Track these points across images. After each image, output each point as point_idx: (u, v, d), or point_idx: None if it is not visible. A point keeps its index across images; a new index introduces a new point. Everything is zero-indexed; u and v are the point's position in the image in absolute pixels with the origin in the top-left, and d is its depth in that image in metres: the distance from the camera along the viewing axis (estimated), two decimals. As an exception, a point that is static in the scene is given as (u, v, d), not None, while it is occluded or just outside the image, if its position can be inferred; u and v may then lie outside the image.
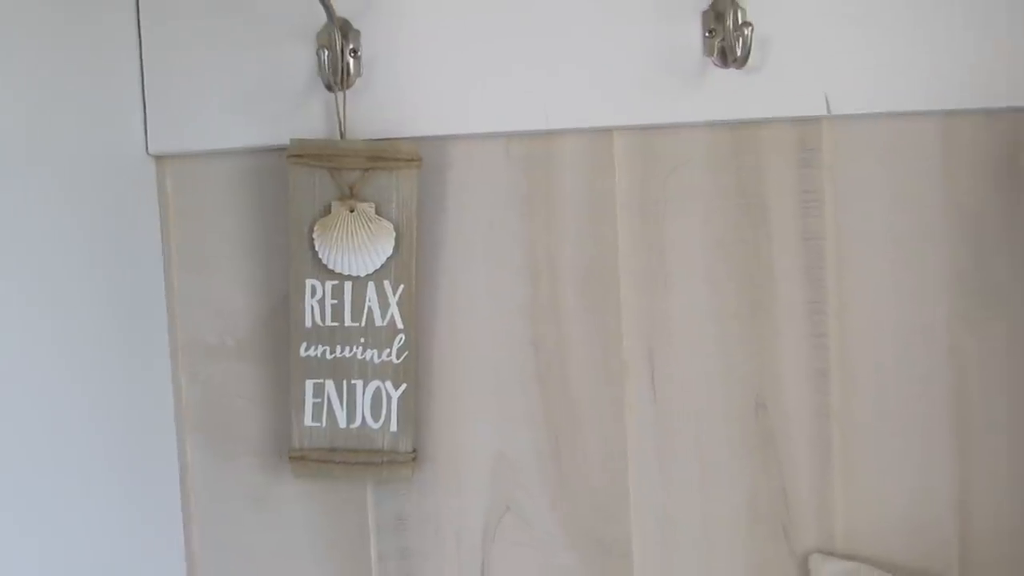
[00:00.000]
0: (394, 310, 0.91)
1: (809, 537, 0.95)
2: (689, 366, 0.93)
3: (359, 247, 0.89)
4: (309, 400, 0.92)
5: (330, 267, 0.90)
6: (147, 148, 0.91)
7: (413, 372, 0.90)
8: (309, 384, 0.91)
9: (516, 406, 0.93)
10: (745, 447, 0.94)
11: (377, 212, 0.90)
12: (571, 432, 0.93)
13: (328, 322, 0.91)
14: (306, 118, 0.90)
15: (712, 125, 0.92)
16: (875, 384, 0.93)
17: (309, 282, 0.91)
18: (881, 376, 0.93)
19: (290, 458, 0.92)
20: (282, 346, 0.92)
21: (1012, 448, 0.96)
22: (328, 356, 0.91)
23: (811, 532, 0.95)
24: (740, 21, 0.85)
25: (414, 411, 0.91)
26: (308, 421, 0.92)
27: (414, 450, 0.92)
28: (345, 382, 0.91)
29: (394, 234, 0.89)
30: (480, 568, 0.94)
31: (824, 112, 0.90)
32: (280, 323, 0.92)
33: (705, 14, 0.89)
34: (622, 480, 0.94)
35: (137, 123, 0.91)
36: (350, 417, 0.91)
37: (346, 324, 0.91)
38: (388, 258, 0.90)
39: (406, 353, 0.91)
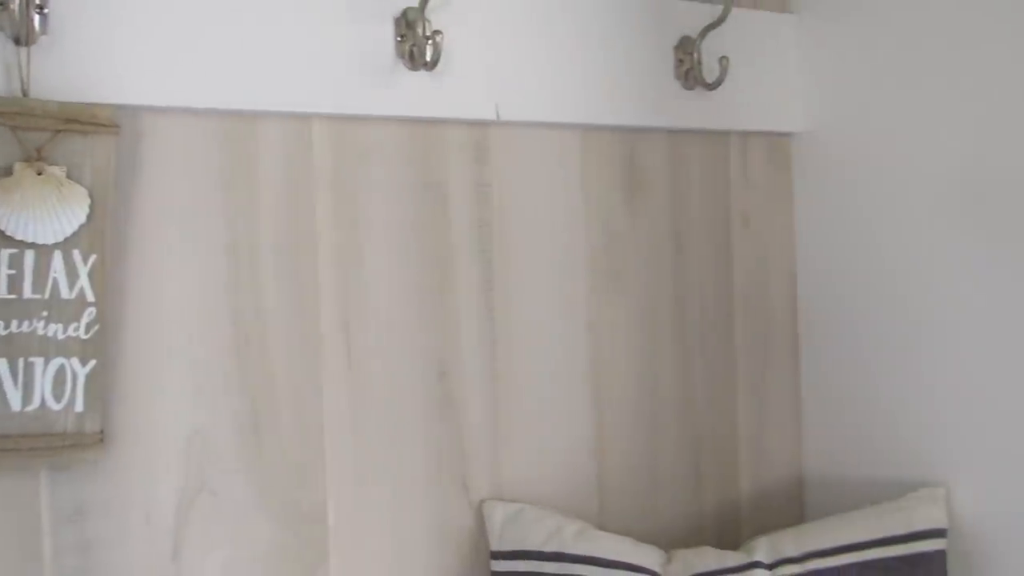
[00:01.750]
0: (84, 282, 0.71)
1: (483, 487, 0.90)
2: (381, 338, 0.85)
3: (48, 213, 0.68)
4: (-27, 382, 0.68)
5: (8, 233, 0.68)
6: None
7: (103, 348, 0.70)
8: (-26, 364, 0.67)
9: (213, 381, 0.77)
10: (430, 411, 0.87)
11: (68, 177, 0.68)
12: (269, 404, 0.79)
13: (3, 294, 0.68)
14: (-23, 71, 0.67)
15: (403, 120, 0.84)
16: (532, 352, 0.94)
17: (-20, 249, 0.67)
18: (537, 344, 0.94)
19: (-54, 449, 0.66)
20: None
21: (635, 402, 1.00)
22: (1, 332, 0.67)
23: (485, 482, 0.90)
24: (430, 30, 0.78)
25: (103, 389, 0.71)
26: (-29, 405, 0.67)
27: (101, 431, 0.70)
28: (21, 360, 0.69)
29: (88, 201, 0.70)
30: (172, 551, 0.75)
31: (494, 118, 0.87)
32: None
33: (397, 20, 0.82)
34: (318, 448, 0.81)
35: None
36: (26, 399, 0.69)
37: (25, 296, 0.69)
38: (80, 226, 0.69)
39: (96, 327, 0.71)
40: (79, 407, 0.74)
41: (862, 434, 1.04)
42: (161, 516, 0.79)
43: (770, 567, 0.86)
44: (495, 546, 0.90)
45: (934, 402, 0.97)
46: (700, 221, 1.06)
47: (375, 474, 0.87)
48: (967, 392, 0.95)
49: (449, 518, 0.91)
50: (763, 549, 0.90)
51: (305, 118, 0.84)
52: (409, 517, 0.89)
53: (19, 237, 0.72)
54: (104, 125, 0.74)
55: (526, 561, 0.88)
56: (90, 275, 0.74)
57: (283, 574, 0.84)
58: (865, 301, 1.04)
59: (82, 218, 0.74)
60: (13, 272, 0.72)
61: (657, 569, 0.88)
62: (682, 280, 1.05)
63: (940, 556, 0.90)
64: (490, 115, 0.91)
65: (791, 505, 1.11)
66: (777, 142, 1.10)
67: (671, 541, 0.97)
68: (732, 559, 0.88)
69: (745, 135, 1.08)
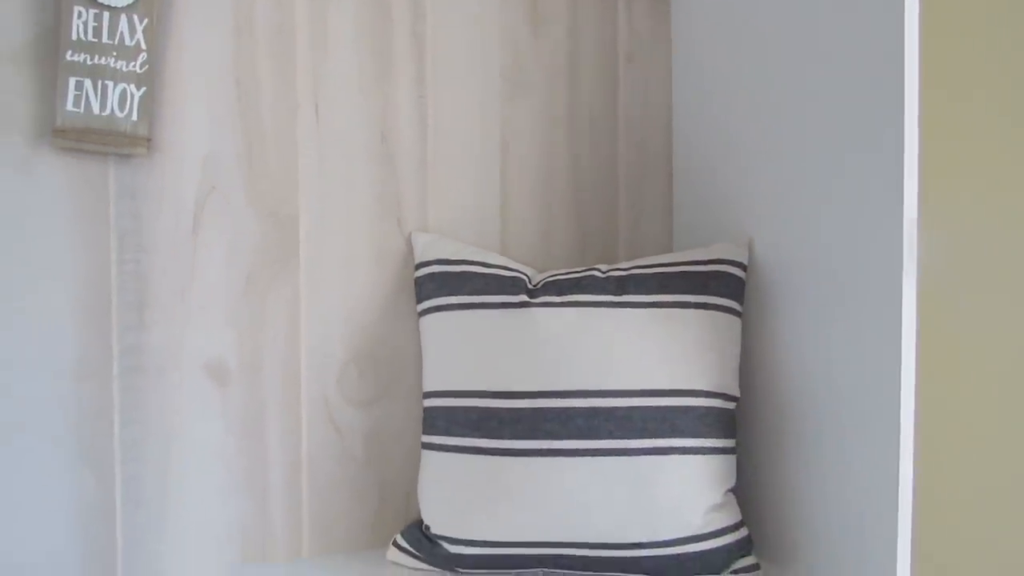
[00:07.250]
0: (140, 35, 1.10)
1: (413, 223, 1.25)
2: (339, 107, 1.21)
3: (119, -16, 1.07)
4: (71, 92, 1.08)
5: (94, -2, 1.07)
6: None
7: (151, 80, 1.09)
8: (71, 80, 1.07)
9: (222, 120, 1.15)
10: (374, 164, 1.23)
11: (133, -36, 1.08)
12: (260, 143, 1.17)
13: (90, 38, 1.07)
14: None
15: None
16: (455, 130, 1.28)
17: (76, 7, 1.07)
18: (459, 127, 1.29)
19: (54, 132, 1.06)
20: (51, 54, 1.07)
21: (535, 184, 1.34)
22: (88, 62, 1.07)
23: (413, 220, 1.25)
24: None
25: (150, 109, 1.10)
26: (70, 106, 1.07)
27: (149, 138, 1.10)
28: (100, 81, 1.08)
29: (145, -19, 1.08)
30: (192, 229, 1.13)
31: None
32: (50, 38, 1.07)
33: None
34: (293, 181, 1.19)
35: None
36: (102, 107, 1.08)
37: (103, 41, 1.08)
38: (139, -2, 1.09)
39: (147, 67, 1.10)
40: (135, 117, 1.14)
41: (714, 219, 1.38)
42: (186, 203, 1.18)
43: (603, 272, 1.22)
44: (418, 260, 1.27)
45: (756, 185, 1.29)
46: (592, 55, 1.40)
47: (333, 207, 1.25)
48: (777, 175, 1.25)
49: (387, 243, 1.28)
50: (604, 267, 1.25)
51: (295, -53, 1.22)
52: (357, 239, 1.26)
53: (101, 1, 1.12)
54: (158, -65, 1.14)
55: (438, 265, 1.24)
56: (144, 31, 1.14)
57: (267, 258, 1.22)
58: (724, 123, 1.37)
59: (141, -7, 1.13)
60: (96, 25, 1.12)
61: (527, 272, 1.24)
62: (576, 97, 1.39)
63: (737, 279, 1.23)
64: (427, -44, 1.27)
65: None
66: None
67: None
68: (580, 270, 1.23)
69: (631, -6, 1.42)
